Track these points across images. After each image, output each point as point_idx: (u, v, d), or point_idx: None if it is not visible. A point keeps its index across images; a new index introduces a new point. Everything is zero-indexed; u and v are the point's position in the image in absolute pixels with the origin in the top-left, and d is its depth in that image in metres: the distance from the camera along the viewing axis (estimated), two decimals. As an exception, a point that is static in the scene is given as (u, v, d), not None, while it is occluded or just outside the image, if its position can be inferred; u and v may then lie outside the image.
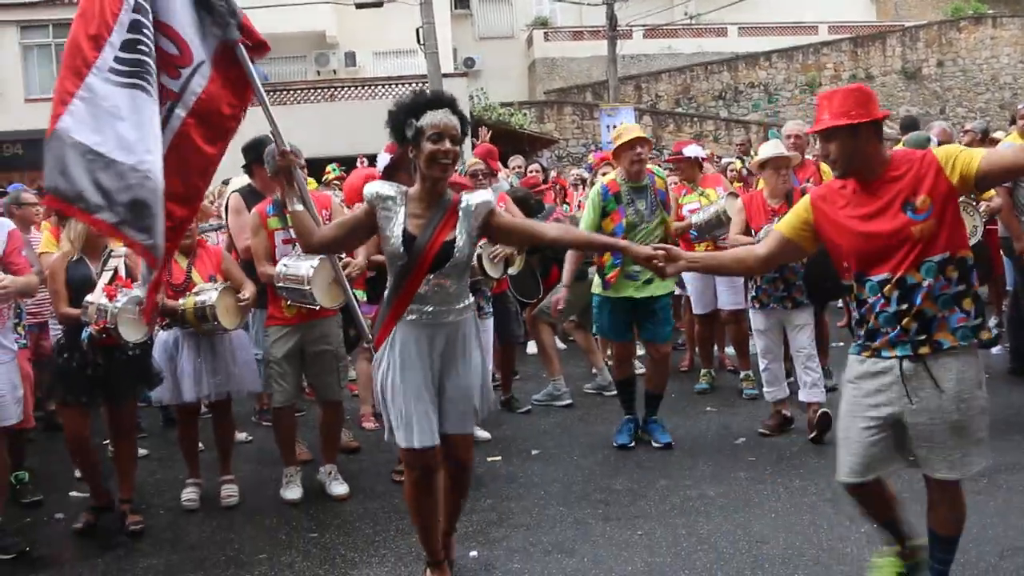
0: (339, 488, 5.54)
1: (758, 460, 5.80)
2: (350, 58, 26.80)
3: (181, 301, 5.28)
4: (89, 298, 4.96)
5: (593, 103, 25.42)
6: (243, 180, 6.80)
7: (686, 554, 4.47)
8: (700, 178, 7.78)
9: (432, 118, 3.74)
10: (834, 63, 29.21)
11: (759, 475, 5.53)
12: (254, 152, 5.92)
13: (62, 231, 5.50)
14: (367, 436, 6.77)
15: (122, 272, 5.17)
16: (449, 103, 3.82)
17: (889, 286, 3.44)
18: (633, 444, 6.19)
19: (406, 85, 22.22)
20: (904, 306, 3.42)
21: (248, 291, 5.43)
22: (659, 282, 5.96)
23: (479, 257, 5.86)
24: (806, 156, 7.58)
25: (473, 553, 4.59)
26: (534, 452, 6.24)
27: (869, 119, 3.45)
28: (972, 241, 6.06)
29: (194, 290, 5.32)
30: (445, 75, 19.87)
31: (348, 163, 8.03)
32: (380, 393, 3.94)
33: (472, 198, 3.91)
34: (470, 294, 4.05)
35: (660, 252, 3.85)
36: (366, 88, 22.39)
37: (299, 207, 4.09)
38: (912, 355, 3.41)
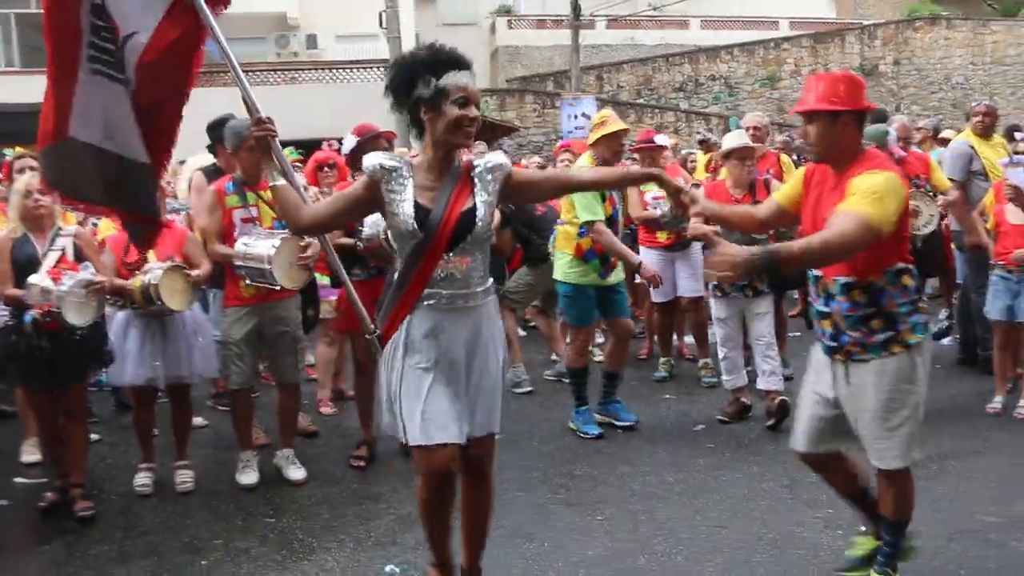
0: (296, 473, 5.48)
1: (717, 447, 5.84)
2: (311, 40, 26.49)
3: (130, 281, 5.17)
4: (33, 279, 4.80)
5: (555, 92, 25.35)
6: (202, 159, 6.71)
7: (645, 539, 4.49)
8: (664, 168, 7.79)
9: (458, 79, 3.31)
10: (794, 58, 29.41)
11: (717, 462, 5.57)
12: (218, 130, 5.83)
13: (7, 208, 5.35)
14: (325, 421, 6.72)
15: (70, 253, 5.01)
16: (470, 67, 3.41)
17: (819, 285, 3.60)
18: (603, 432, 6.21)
19: (368, 69, 22.07)
20: (827, 309, 3.59)
21: (198, 270, 5.30)
22: (617, 271, 6.15)
23: None
24: (766, 147, 7.66)
25: (432, 537, 4.57)
26: (496, 437, 6.20)
27: (852, 108, 3.49)
28: (928, 230, 6.17)
29: (143, 269, 5.19)
30: (407, 61, 19.71)
31: (308, 147, 7.91)
32: (388, 389, 3.46)
33: (486, 160, 3.51)
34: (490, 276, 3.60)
35: (688, 188, 3.81)
36: (327, 71, 22.18)
37: (281, 181, 3.55)
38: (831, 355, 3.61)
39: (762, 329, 6.18)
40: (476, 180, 3.44)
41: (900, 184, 3.47)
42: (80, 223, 6.04)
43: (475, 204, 3.39)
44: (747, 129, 7.46)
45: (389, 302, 3.47)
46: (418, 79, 3.32)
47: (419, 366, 3.38)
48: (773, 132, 8.20)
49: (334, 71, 22.09)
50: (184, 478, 5.45)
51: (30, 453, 6.02)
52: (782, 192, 3.95)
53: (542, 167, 9.53)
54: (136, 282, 5.12)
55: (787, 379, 7.21)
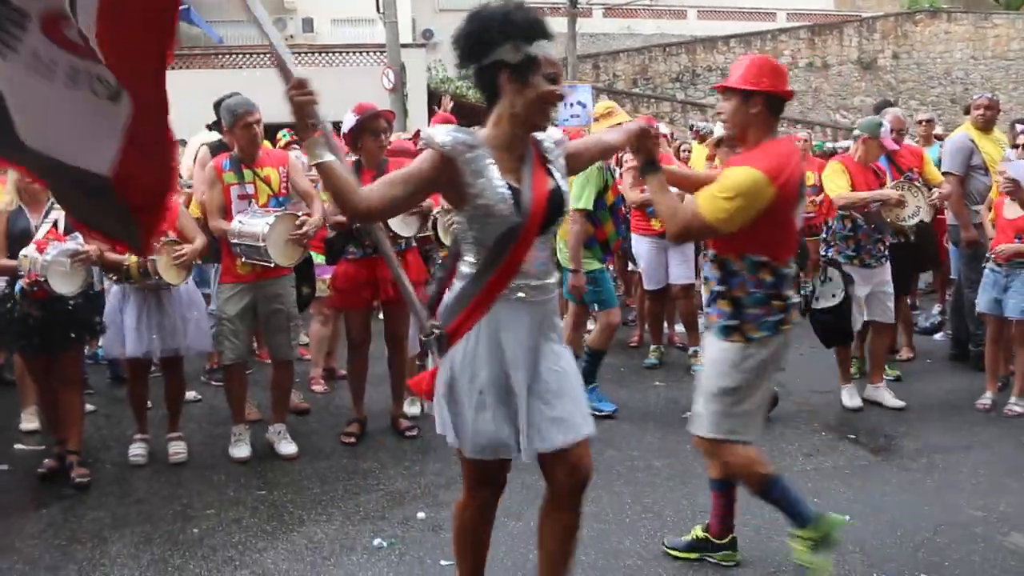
0: (288, 447, 5.54)
1: (704, 433, 5.89)
2: (308, 24, 26.44)
3: (125, 256, 5.20)
4: (24, 251, 4.90)
5: (552, 79, 25.39)
6: (204, 138, 6.80)
7: (631, 521, 4.55)
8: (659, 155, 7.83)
9: (548, 51, 2.91)
10: (791, 50, 29.41)
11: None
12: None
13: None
14: (317, 398, 6.77)
15: (60, 225, 5.07)
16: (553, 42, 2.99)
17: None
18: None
19: (364, 54, 22.02)
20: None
21: (190, 246, 5.32)
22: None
23: (435, 222, 5.86)
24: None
25: (421, 515, 4.63)
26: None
27: (765, 90, 3.58)
28: (914, 221, 6.21)
29: None
30: (404, 45, 19.73)
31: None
32: (446, 389, 3.04)
33: (549, 136, 3.14)
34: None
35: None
36: (323, 55, 22.11)
37: (328, 156, 2.89)
38: None
39: None
40: (548, 157, 3.10)
41: (759, 183, 3.44)
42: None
43: (556, 182, 3.06)
44: None
45: (462, 296, 3.02)
46: (505, 40, 2.85)
47: (493, 369, 2.97)
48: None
49: (330, 55, 22.04)
50: (177, 449, 5.50)
51: (29, 421, 6.09)
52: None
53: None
54: (132, 258, 5.16)
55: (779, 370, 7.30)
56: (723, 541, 4.10)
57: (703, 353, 3.82)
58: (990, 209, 6.69)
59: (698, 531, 4.17)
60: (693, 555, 4.12)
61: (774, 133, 3.71)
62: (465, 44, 2.94)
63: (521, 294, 2.99)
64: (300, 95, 2.90)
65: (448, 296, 3.09)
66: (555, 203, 3.01)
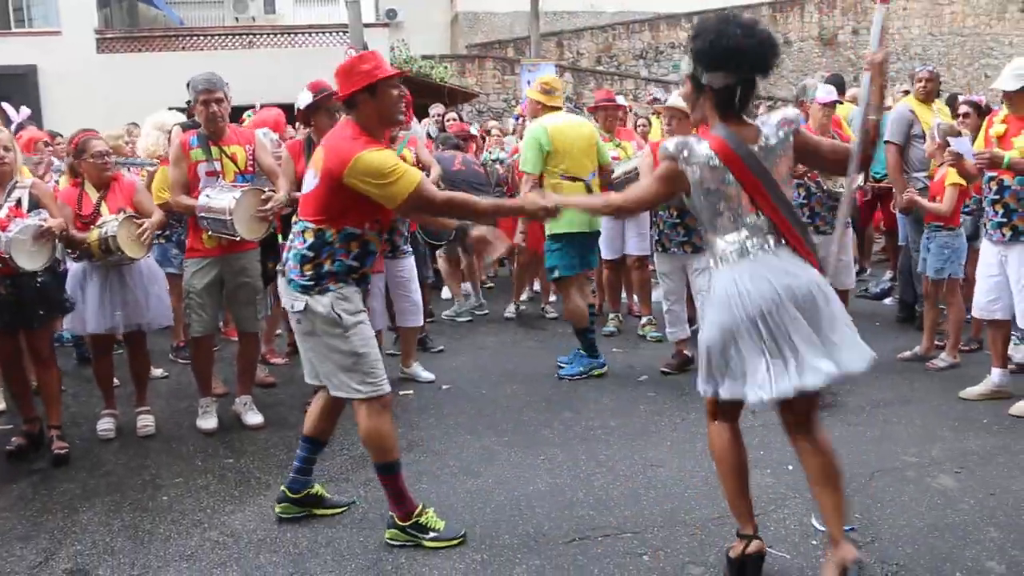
0: (254, 418, 5.68)
1: (658, 395, 6.12)
2: (269, 5, 26.28)
3: (86, 234, 5.32)
4: None
5: (514, 59, 25.43)
6: (163, 118, 6.90)
7: (585, 476, 4.75)
8: (617, 129, 8.02)
9: None
10: (753, 26, 29.66)
11: (659, 408, 5.85)
12: None
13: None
14: (280, 371, 6.93)
15: (25, 203, 5.15)
16: None
17: None
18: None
19: (327, 34, 21.98)
20: None
21: (149, 219, 5.45)
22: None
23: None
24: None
25: (382, 475, 4.80)
26: (444, 387, 6.46)
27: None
28: (841, 189, 6.45)
29: (98, 223, 5.35)
30: (367, 25, 19.70)
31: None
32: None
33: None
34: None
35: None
36: (286, 36, 22.03)
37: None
38: None
39: (703, 283, 6.44)
40: None
41: (381, 156, 3.73)
42: (40, 177, 6.18)
43: None
44: None
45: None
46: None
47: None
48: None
49: (293, 35, 21.97)
50: (145, 422, 5.63)
51: (-5, 401, 6.18)
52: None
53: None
54: (93, 235, 5.28)
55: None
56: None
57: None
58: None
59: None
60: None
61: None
62: (711, 54, 3.31)
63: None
64: None
65: None
66: None
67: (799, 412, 3.44)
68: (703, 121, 3.47)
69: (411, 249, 6.65)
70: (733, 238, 3.36)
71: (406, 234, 6.56)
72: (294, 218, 4.04)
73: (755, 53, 3.28)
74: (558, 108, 6.60)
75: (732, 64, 3.28)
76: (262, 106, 7.58)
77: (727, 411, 3.61)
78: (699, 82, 3.36)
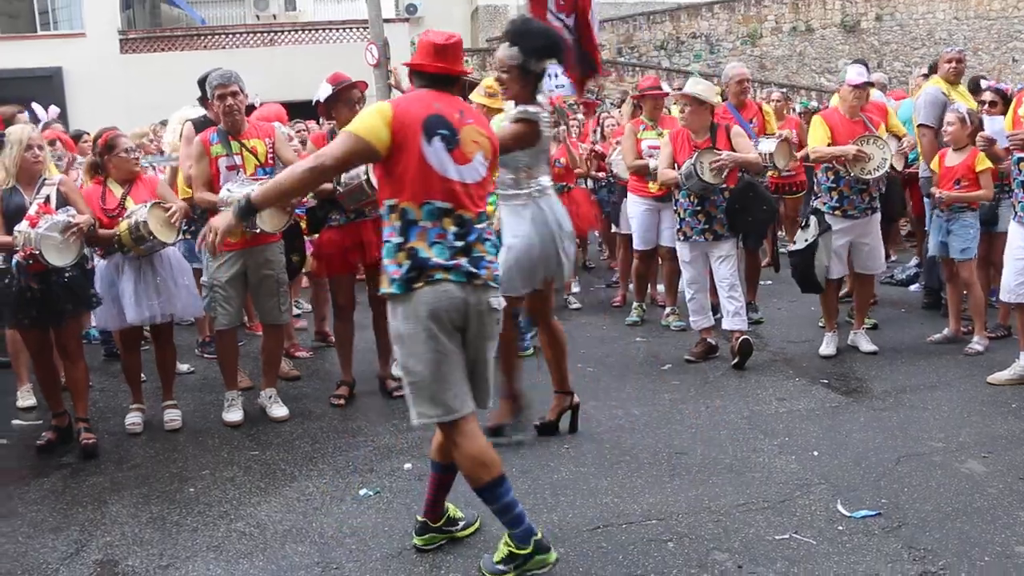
0: (279, 410, 5.72)
1: (682, 383, 6.10)
2: (290, 2, 26.43)
3: (113, 230, 5.37)
4: (18, 227, 5.03)
5: (536, 51, 25.42)
6: (187, 113, 6.96)
7: (609, 464, 4.75)
8: (660, 117, 7.86)
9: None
10: (775, 15, 29.40)
11: (683, 396, 5.83)
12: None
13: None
14: (306, 364, 6.96)
15: (53, 200, 5.21)
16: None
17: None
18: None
19: (347, 30, 22.07)
20: None
21: (177, 204, 5.48)
22: None
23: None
24: (749, 98, 7.79)
25: (408, 465, 4.83)
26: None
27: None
28: (879, 174, 6.39)
29: (125, 215, 5.40)
30: (387, 20, 19.76)
31: (290, 109, 8.08)
32: None
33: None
34: None
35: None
36: (307, 32, 22.18)
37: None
38: None
39: (724, 272, 6.43)
40: None
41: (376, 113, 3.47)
42: (65, 173, 6.26)
43: None
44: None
45: None
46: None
47: None
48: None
49: (314, 32, 22.09)
50: (172, 416, 5.68)
51: (25, 398, 6.26)
52: None
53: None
54: (123, 225, 5.32)
55: (758, 323, 7.52)
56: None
57: None
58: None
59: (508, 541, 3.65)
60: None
61: None
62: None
63: None
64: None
65: None
66: None
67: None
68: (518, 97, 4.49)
69: None
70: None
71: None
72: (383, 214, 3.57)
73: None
74: (500, 111, 6.55)
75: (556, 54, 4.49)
76: (262, 103, 7.63)
77: None
78: (528, 69, 4.40)
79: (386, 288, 3.52)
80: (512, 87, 4.52)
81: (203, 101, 6.43)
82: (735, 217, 6.36)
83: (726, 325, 6.46)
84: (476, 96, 6.74)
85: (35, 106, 8.45)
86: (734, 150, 6.28)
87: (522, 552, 3.52)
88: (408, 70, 3.73)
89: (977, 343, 6.48)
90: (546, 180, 4.85)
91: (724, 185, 6.31)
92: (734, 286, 6.43)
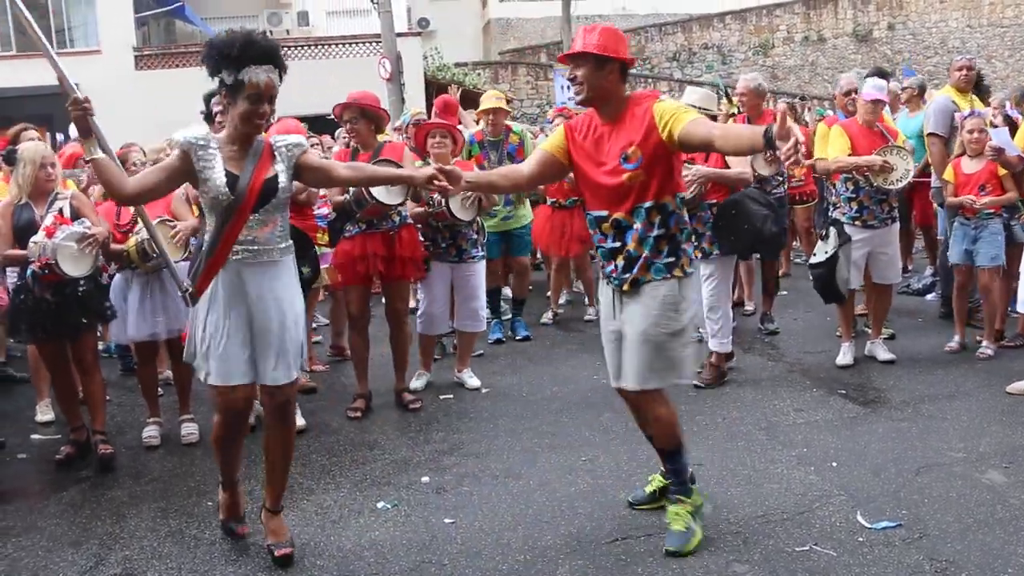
0: (296, 422, 5.71)
1: (699, 394, 6.08)
2: (303, 17, 26.57)
3: (125, 243, 5.42)
4: (33, 239, 5.08)
5: (547, 64, 25.50)
6: (194, 131, 6.97)
7: (626, 476, 4.74)
8: (762, 112, 7.47)
9: (259, 76, 3.78)
10: (787, 25, 29.46)
11: (699, 408, 5.80)
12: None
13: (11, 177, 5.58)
14: (322, 378, 6.96)
15: (67, 212, 5.26)
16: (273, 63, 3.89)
17: (606, 224, 3.86)
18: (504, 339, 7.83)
19: (360, 44, 22.18)
20: (617, 244, 3.86)
21: (182, 224, 5.53)
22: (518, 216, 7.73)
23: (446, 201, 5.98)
24: (766, 107, 7.68)
25: (425, 478, 4.82)
26: (484, 391, 6.46)
27: (616, 57, 3.76)
28: (902, 184, 6.35)
29: (135, 231, 5.45)
30: (399, 34, 19.88)
31: (306, 123, 8.13)
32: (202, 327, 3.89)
33: (287, 139, 4.03)
34: None
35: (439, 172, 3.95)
36: (320, 48, 22.29)
37: (99, 154, 3.86)
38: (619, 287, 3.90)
39: (705, 291, 6.26)
40: (277, 155, 3.86)
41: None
42: (83, 190, 6.30)
43: (275, 174, 3.82)
44: (740, 94, 7.52)
45: (200, 260, 3.87)
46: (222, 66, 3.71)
47: (218, 313, 3.82)
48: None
49: (327, 47, 22.21)
50: (189, 430, 5.69)
51: (43, 413, 6.29)
52: (548, 142, 4.13)
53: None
54: (131, 242, 5.38)
55: (774, 333, 7.49)
56: None
57: (627, 309, 3.94)
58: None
59: (656, 480, 4.37)
60: (656, 505, 4.25)
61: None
62: (207, 63, 3.75)
63: (238, 256, 3.76)
64: (77, 110, 3.81)
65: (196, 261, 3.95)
66: (268, 189, 3.77)
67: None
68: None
69: (482, 254, 6.63)
70: None
71: (474, 238, 6.49)
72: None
73: None
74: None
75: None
76: (279, 118, 7.66)
77: None
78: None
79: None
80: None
81: (209, 117, 6.44)
82: (719, 235, 6.19)
83: (711, 346, 6.37)
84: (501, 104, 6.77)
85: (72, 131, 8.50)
86: (726, 164, 6.13)
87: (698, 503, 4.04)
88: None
89: (987, 347, 6.53)
90: None
91: (712, 201, 6.19)
92: (712, 307, 6.29)
